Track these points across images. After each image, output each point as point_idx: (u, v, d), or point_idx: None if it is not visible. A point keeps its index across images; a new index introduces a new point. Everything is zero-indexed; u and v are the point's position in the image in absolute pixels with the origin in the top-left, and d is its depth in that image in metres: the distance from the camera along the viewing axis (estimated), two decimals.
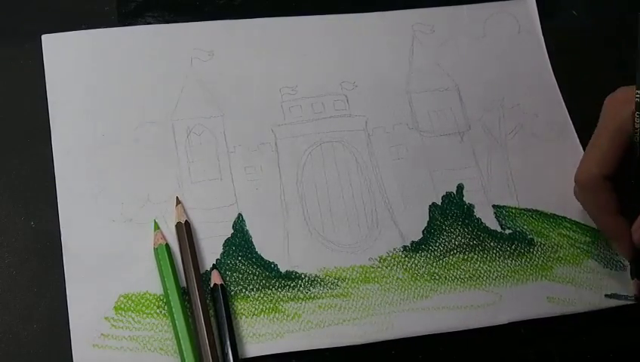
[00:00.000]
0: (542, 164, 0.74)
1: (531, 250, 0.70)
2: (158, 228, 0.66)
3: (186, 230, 0.66)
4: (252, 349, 0.64)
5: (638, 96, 0.65)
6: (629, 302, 0.69)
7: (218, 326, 0.63)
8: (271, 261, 0.67)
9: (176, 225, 0.66)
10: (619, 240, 0.68)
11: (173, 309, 0.63)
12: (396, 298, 0.67)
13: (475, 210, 0.71)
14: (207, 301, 0.64)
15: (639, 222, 0.66)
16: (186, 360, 0.61)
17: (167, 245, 0.65)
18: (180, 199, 0.68)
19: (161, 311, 0.64)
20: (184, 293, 0.64)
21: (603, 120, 0.69)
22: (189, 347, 0.61)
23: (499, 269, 0.69)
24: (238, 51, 0.74)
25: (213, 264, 0.66)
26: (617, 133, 0.67)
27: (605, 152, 0.67)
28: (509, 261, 0.70)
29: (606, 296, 0.69)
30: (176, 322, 0.62)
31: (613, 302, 0.69)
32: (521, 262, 0.70)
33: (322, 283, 0.67)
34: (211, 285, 0.65)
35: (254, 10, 0.76)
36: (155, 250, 0.65)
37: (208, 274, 0.66)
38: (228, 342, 0.62)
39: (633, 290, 0.69)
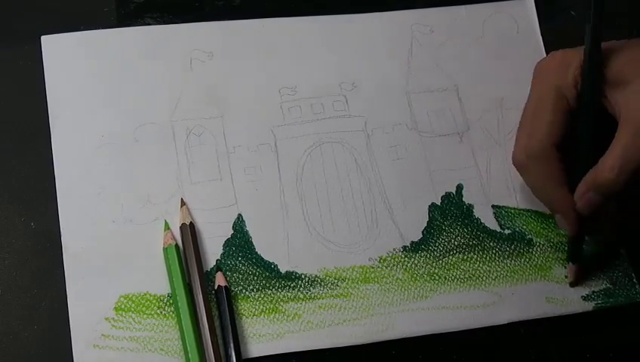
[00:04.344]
0: None
1: (530, 250, 0.71)
2: (169, 228, 0.66)
3: (190, 231, 0.66)
4: (252, 349, 0.64)
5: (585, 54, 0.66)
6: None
7: (221, 327, 0.63)
8: (271, 261, 0.67)
9: (180, 227, 0.66)
10: (566, 212, 0.68)
11: (180, 309, 0.63)
12: (396, 298, 0.67)
13: (474, 210, 0.72)
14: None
15: (581, 189, 0.66)
16: (190, 360, 0.61)
17: (176, 245, 0.65)
18: (184, 200, 0.68)
19: (161, 312, 0.64)
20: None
21: (540, 87, 0.69)
22: (194, 347, 0.61)
23: (498, 269, 0.69)
24: (237, 52, 0.74)
25: (218, 266, 0.66)
26: (559, 99, 0.67)
27: (552, 120, 0.67)
28: (508, 261, 0.70)
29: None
30: (183, 322, 0.62)
31: (612, 303, 0.69)
32: (520, 262, 0.70)
33: (322, 283, 0.67)
34: (215, 287, 0.65)
35: (253, 10, 0.76)
36: (165, 249, 0.65)
37: (209, 274, 0.66)
38: (232, 344, 0.62)
39: (569, 275, 0.70)
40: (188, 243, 0.65)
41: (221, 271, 0.66)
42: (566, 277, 0.70)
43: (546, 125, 0.67)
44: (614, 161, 0.64)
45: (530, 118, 0.68)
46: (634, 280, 0.70)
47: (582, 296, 0.69)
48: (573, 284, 0.69)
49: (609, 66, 0.66)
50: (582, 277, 0.70)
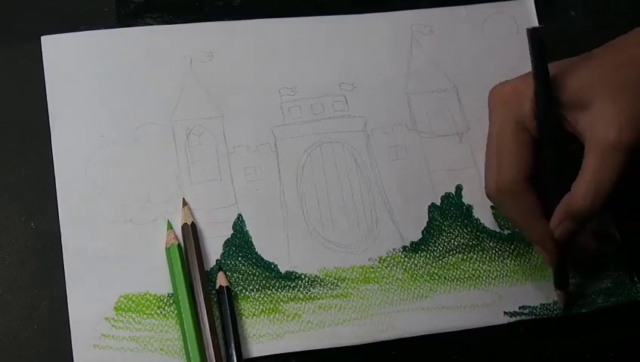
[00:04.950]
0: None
1: (530, 250, 0.71)
2: (171, 227, 0.66)
3: (192, 231, 0.66)
4: (252, 349, 0.64)
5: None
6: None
7: (222, 327, 0.63)
8: (271, 261, 0.67)
9: (182, 227, 0.66)
10: (544, 243, 0.66)
11: (182, 309, 0.63)
12: (396, 298, 0.67)
13: (473, 211, 0.72)
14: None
15: (556, 218, 0.65)
16: (192, 360, 0.61)
17: (179, 245, 0.65)
18: (186, 200, 0.68)
19: (161, 312, 0.64)
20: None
21: (500, 119, 0.67)
22: (195, 347, 0.61)
23: (498, 269, 0.70)
24: (237, 52, 0.74)
25: (219, 266, 0.66)
26: (521, 132, 0.66)
27: (518, 155, 0.66)
28: (508, 261, 0.70)
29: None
30: (184, 322, 0.62)
31: (611, 303, 0.69)
32: (520, 262, 0.70)
33: (322, 283, 0.67)
34: (217, 286, 0.65)
35: (253, 11, 0.76)
36: (167, 249, 0.65)
37: (209, 274, 0.66)
38: (232, 344, 0.63)
39: (559, 300, 0.69)
40: (189, 243, 0.65)
41: (222, 271, 0.66)
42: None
43: (512, 160, 0.66)
44: (587, 188, 0.63)
45: (496, 152, 0.67)
46: (635, 279, 0.70)
47: (582, 296, 0.69)
48: (565, 310, 0.69)
49: (566, 89, 0.65)
50: (573, 300, 0.69)
